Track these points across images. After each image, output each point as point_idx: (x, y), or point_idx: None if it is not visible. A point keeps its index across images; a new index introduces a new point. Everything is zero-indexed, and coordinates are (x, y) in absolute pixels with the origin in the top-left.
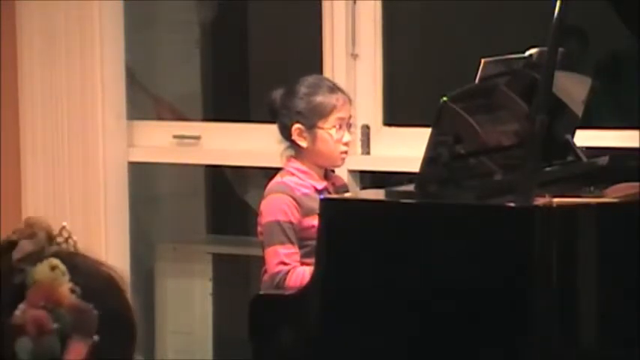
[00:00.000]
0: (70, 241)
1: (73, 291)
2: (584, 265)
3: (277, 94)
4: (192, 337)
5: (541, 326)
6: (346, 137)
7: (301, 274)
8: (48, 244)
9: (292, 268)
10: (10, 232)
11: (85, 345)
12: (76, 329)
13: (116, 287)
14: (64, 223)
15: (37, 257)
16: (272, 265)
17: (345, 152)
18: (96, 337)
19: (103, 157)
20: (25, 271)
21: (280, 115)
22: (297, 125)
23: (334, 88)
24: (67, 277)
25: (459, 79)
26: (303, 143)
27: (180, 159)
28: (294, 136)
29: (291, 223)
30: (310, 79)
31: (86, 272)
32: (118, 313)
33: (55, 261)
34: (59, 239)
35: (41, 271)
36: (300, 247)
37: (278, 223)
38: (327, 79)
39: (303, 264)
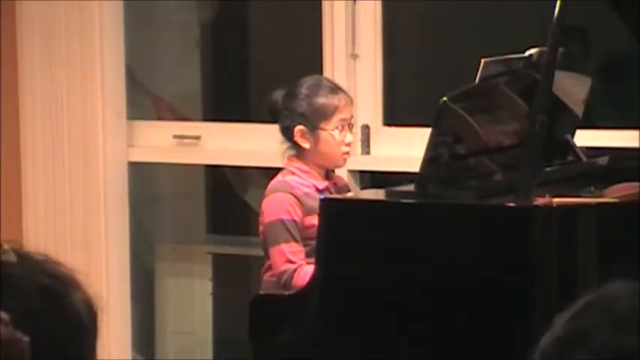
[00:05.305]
0: (5, 248)
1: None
2: (583, 265)
3: (278, 95)
4: (192, 337)
5: (541, 326)
6: (348, 138)
7: (308, 273)
8: None
9: (299, 266)
10: (8, 232)
11: None
12: None
13: (58, 296)
14: None
15: None
16: (279, 264)
17: (347, 153)
18: None
19: (103, 157)
20: None
21: (282, 117)
22: (299, 127)
23: (335, 89)
24: None
25: (459, 79)
26: (306, 145)
27: (180, 159)
28: (297, 138)
29: (294, 221)
30: (311, 80)
31: (22, 291)
32: (60, 325)
33: None
34: None
35: None
36: (302, 246)
37: (282, 221)
38: (328, 80)
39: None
